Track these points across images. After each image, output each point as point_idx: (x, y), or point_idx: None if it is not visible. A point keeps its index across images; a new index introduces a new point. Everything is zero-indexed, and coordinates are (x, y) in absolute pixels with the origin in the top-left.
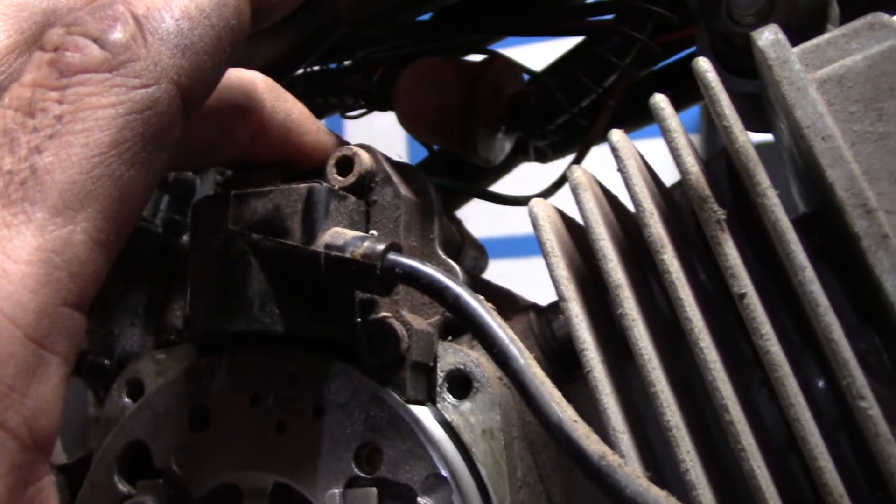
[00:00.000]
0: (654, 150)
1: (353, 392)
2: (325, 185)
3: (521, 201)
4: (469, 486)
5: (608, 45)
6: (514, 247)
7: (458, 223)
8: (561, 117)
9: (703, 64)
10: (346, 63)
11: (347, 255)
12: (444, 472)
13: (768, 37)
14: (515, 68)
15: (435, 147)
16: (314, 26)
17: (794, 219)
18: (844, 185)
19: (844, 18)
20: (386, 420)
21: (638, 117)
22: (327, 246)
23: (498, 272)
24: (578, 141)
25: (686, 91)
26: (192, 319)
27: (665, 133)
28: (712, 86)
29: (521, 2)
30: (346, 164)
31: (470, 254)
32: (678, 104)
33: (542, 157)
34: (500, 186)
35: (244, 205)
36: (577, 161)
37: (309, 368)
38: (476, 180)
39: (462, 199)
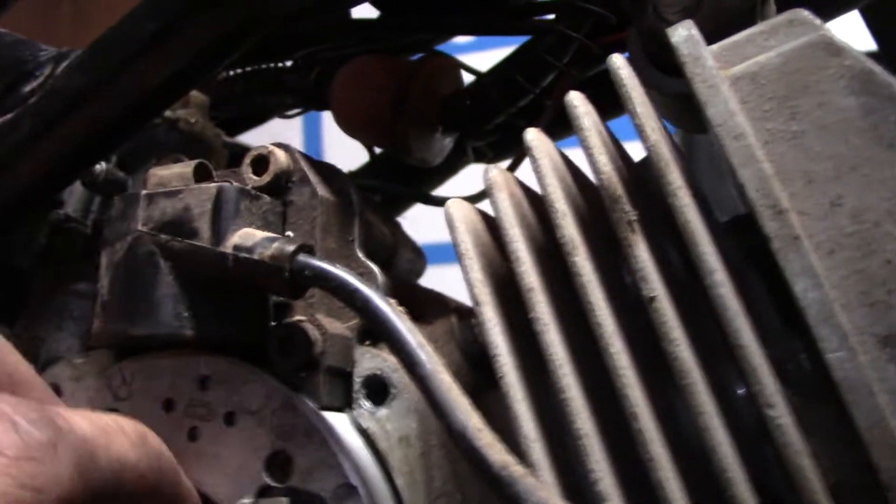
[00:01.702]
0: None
1: (266, 398)
2: (235, 184)
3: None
4: (383, 496)
5: (545, 45)
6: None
7: (395, 225)
8: (498, 118)
9: (617, 61)
10: (287, 63)
11: (256, 256)
12: (354, 482)
13: (682, 33)
14: (451, 67)
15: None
16: (231, 24)
17: (728, 220)
18: (755, 185)
19: None
20: (298, 427)
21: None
22: (236, 247)
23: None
24: (517, 143)
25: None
26: (101, 323)
27: (578, 132)
28: (624, 83)
29: (465, 1)
30: (261, 163)
31: (405, 256)
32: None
33: (482, 158)
34: (449, 188)
35: (154, 204)
36: (516, 163)
37: (220, 373)
38: (419, 183)
39: (404, 203)
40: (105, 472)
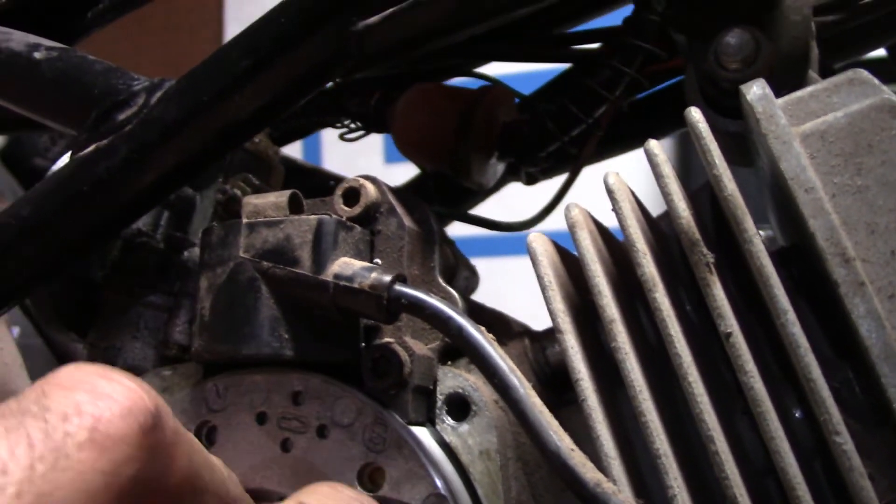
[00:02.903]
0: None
1: (357, 413)
2: (334, 217)
3: (514, 227)
4: None
5: (598, 78)
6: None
7: (451, 244)
8: (552, 145)
9: (696, 115)
10: (340, 82)
11: (356, 285)
12: (443, 492)
13: (756, 91)
14: (509, 96)
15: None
16: (321, 60)
17: (774, 251)
18: (825, 235)
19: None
20: (388, 441)
21: (623, 143)
22: (336, 276)
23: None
24: (565, 165)
25: (669, 118)
26: (203, 342)
27: (658, 178)
28: (703, 136)
29: (509, 27)
30: (352, 196)
31: (463, 274)
32: (662, 130)
33: (532, 181)
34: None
35: (255, 233)
36: (566, 188)
37: (313, 389)
38: (465, 200)
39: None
40: None
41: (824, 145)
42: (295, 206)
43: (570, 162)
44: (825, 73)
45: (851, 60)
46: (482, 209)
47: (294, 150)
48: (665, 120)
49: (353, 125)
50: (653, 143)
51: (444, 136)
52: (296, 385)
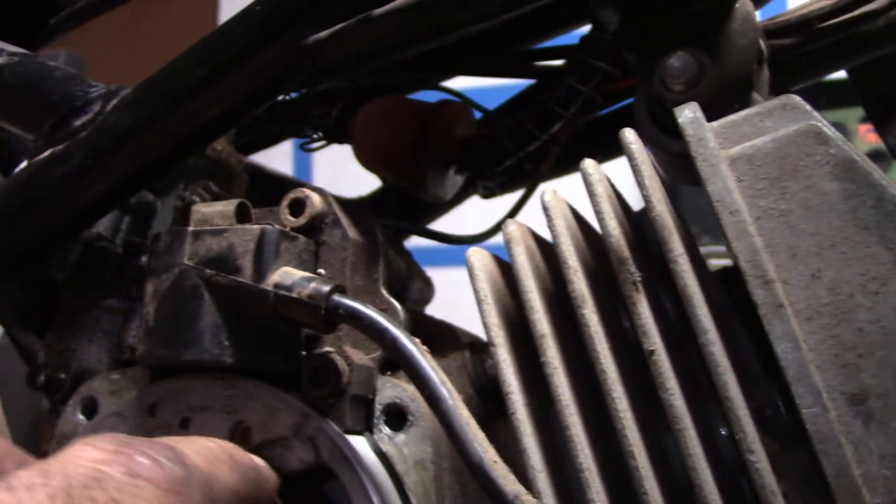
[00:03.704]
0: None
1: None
2: (276, 227)
3: (466, 240)
4: None
5: (554, 96)
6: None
7: (407, 256)
8: (508, 161)
9: (629, 136)
10: (305, 92)
11: (295, 294)
12: (375, 501)
13: (688, 115)
14: (468, 112)
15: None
16: (276, 72)
17: (719, 270)
18: (747, 257)
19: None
20: (326, 449)
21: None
22: (276, 285)
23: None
24: (523, 180)
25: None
26: (146, 347)
27: (591, 197)
28: (635, 156)
29: (474, 42)
30: (298, 206)
31: (416, 286)
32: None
33: (490, 195)
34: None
35: (200, 241)
36: (522, 202)
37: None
38: (425, 213)
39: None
40: (219, 501)
41: (751, 169)
42: (242, 215)
43: (527, 177)
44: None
45: (809, 83)
46: (445, 221)
47: (285, 156)
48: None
49: (315, 135)
50: (588, 163)
51: (402, 149)
52: (231, 392)
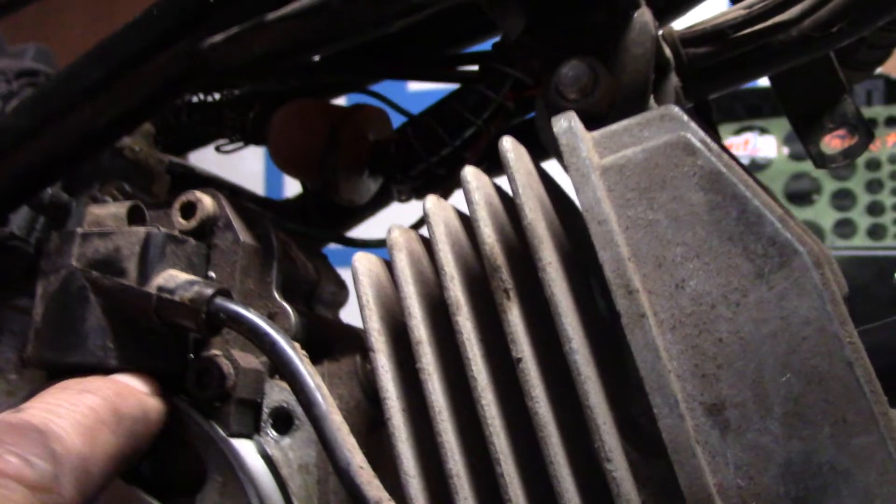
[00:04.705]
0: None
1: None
2: (163, 230)
3: (371, 244)
4: None
5: (466, 103)
6: None
7: (321, 259)
8: (420, 166)
9: (506, 144)
10: (226, 93)
11: (176, 298)
12: None
13: (563, 124)
14: (382, 116)
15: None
16: (172, 75)
17: None
18: (612, 267)
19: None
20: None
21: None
22: (159, 288)
23: None
24: (439, 185)
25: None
26: (34, 348)
27: (469, 205)
28: (510, 165)
29: (396, 45)
30: (189, 209)
31: (328, 289)
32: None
33: (406, 199)
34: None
35: (88, 243)
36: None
37: None
38: (347, 217)
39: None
40: (97, 476)
41: (622, 179)
42: (134, 217)
43: (441, 182)
44: (699, 103)
45: (727, 90)
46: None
47: (258, 155)
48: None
49: (233, 137)
50: (468, 171)
51: (314, 152)
52: None
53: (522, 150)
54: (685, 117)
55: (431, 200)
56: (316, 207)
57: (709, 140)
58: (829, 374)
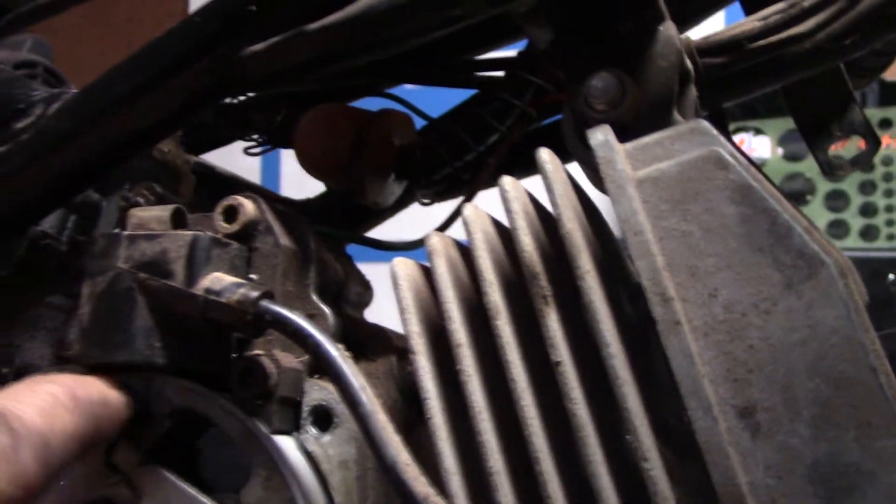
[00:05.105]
0: None
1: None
2: (209, 234)
3: (400, 247)
4: None
5: (489, 108)
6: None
7: (347, 260)
8: (444, 170)
9: (544, 155)
10: (250, 97)
11: (224, 299)
12: (299, 500)
13: (599, 137)
14: (407, 121)
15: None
16: (205, 85)
17: (638, 284)
18: (648, 276)
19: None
20: (253, 448)
21: (521, 169)
22: (206, 290)
23: None
24: (461, 190)
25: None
26: (81, 347)
27: (508, 213)
28: (549, 176)
29: (418, 51)
30: (231, 213)
31: (354, 290)
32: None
33: (428, 203)
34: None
35: (135, 245)
36: (458, 213)
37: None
38: (368, 217)
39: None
40: (57, 451)
41: (656, 191)
42: (177, 221)
43: (464, 187)
44: (715, 112)
45: (740, 100)
46: (389, 224)
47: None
48: (562, 148)
49: (259, 139)
50: (506, 180)
51: (341, 155)
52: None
53: (558, 161)
54: (714, 131)
55: (470, 209)
56: (339, 208)
57: (738, 154)
58: (854, 380)
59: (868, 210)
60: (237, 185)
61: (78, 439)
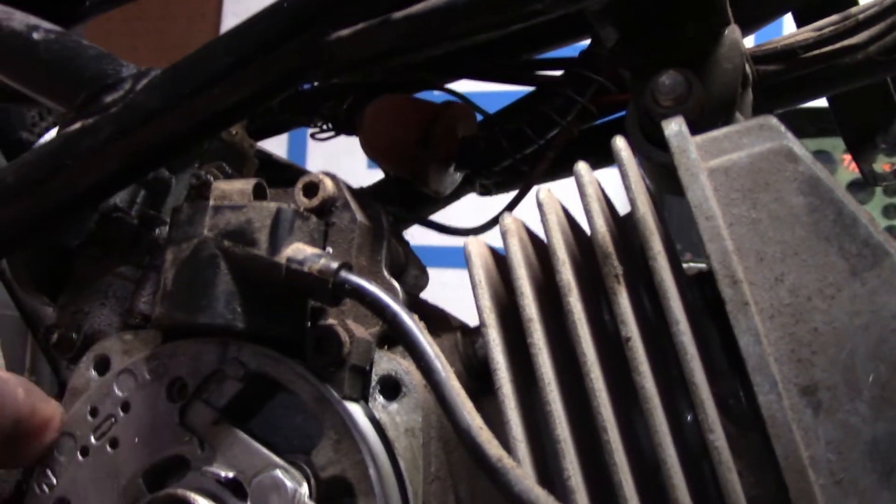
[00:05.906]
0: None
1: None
2: (291, 206)
3: (460, 232)
4: (388, 475)
5: (552, 104)
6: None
7: (406, 244)
8: (505, 161)
9: (619, 143)
10: (317, 84)
11: (305, 269)
12: (368, 462)
13: (673, 128)
14: (470, 114)
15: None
16: (303, 62)
17: (694, 274)
18: (718, 258)
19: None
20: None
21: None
22: (289, 259)
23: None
24: (519, 181)
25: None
26: (164, 309)
27: (582, 197)
28: (624, 163)
29: (480, 48)
30: (311, 189)
31: (412, 273)
32: (610, 157)
33: (486, 192)
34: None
35: (220, 215)
36: (516, 201)
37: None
38: (424, 205)
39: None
40: None
41: (727, 180)
42: (259, 194)
43: (521, 178)
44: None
45: (790, 108)
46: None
47: (280, 145)
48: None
49: (324, 126)
50: (581, 166)
51: (407, 145)
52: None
53: (630, 150)
54: (783, 127)
55: (545, 193)
56: (399, 194)
57: (805, 149)
58: None
59: (892, 234)
60: (294, 171)
61: None
